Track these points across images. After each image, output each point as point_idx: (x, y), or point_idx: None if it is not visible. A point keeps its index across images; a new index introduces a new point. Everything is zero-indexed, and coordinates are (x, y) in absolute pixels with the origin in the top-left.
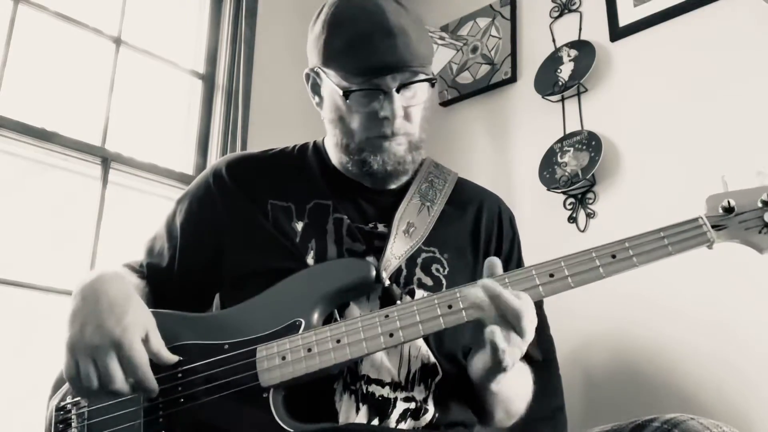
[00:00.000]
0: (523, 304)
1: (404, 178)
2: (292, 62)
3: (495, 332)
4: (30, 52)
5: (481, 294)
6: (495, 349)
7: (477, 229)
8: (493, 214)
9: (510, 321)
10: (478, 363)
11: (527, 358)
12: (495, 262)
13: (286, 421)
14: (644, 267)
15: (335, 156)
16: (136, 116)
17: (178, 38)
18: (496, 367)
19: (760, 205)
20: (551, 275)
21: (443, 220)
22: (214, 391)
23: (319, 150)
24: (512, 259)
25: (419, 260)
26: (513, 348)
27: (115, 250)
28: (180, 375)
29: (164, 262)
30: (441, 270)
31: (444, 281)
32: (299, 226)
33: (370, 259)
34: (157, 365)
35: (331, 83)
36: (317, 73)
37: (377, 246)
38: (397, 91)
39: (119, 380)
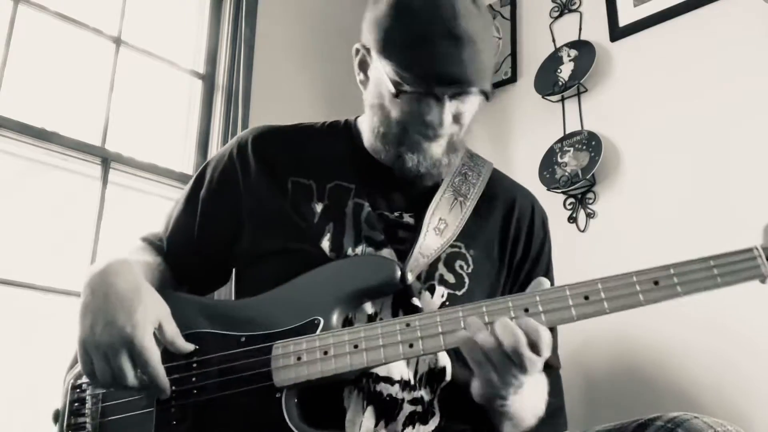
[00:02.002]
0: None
1: (434, 180)
2: (292, 62)
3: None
4: (30, 52)
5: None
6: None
7: (506, 227)
8: (525, 213)
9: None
10: (478, 389)
11: (545, 365)
12: (543, 284)
13: (297, 425)
14: (689, 297)
15: (369, 140)
16: (136, 116)
17: (178, 38)
18: (493, 395)
19: None
20: (586, 297)
21: (474, 214)
22: (227, 386)
23: (350, 129)
24: (540, 262)
25: (443, 255)
26: (513, 378)
27: (115, 250)
28: (195, 365)
29: (183, 235)
30: (465, 267)
31: (466, 280)
32: (318, 207)
33: (388, 251)
34: (171, 354)
35: (382, 73)
36: (369, 53)
37: (401, 237)
38: (450, 98)
39: (131, 378)
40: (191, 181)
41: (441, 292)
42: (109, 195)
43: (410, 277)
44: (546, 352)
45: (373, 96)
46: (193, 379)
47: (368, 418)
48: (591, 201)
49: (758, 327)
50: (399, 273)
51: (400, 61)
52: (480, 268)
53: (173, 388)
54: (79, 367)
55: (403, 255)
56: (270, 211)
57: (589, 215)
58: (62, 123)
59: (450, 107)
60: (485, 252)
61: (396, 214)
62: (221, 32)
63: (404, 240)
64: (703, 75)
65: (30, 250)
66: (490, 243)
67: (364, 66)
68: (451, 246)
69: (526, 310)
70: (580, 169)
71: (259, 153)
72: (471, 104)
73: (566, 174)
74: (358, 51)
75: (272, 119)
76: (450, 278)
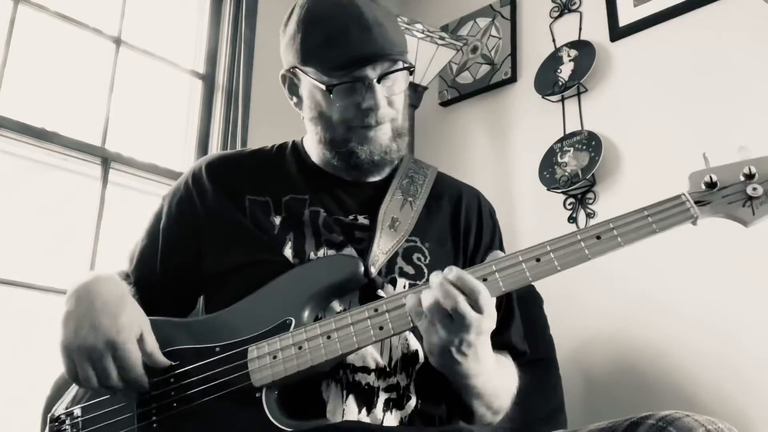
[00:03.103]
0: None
1: (388, 169)
2: None
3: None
4: (30, 52)
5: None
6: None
7: (456, 220)
8: (472, 206)
9: (470, 300)
10: (426, 347)
11: (512, 351)
12: (497, 256)
13: (280, 420)
14: (630, 246)
15: (317, 153)
16: (136, 116)
17: (178, 38)
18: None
19: (742, 178)
20: (537, 259)
21: (425, 212)
22: (206, 393)
23: (297, 148)
24: (493, 249)
25: (401, 250)
26: (456, 335)
27: (115, 250)
28: (172, 380)
29: (148, 267)
30: (422, 259)
31: (425, 270)
32: (277, 220)
33: (349, 250)
34: (150, 370)
35: (311, 80)
36: (294, 74)
37: (359, 237)
38: (378, 81)
39: (115, 378)
40: (151, 217)
41: (403, 283)
42: (109, 195)
43: (373, 271)
44: (487, 308)
45: (310, 109)
46: (172, 392)
47: (350, 406)
48: (591, 201)
49: (757, 327)
50: (362, 267)
51: (323, 61)
52: (437, 259)
53: (153, 404)
54: (61, 404)
55: (363, 253)
56: (231, 229)
57: (589, 215)
58: (62, 123)
59: (381, 90)
60: (439, 244)
61: (351, 217)
62: (221, 32)
63: (362, 240)
64: (703, 75)
65: (30, 250)
66: (443, 236)
67: (294, 89)
68: (407, 241)
69: (485, 280)
70: (580, 169)
71: (213, 177)
72: (399, 85)
73: (566, 174)
74: (285, 77)
75: (272, 119)
76: (410, 270)
